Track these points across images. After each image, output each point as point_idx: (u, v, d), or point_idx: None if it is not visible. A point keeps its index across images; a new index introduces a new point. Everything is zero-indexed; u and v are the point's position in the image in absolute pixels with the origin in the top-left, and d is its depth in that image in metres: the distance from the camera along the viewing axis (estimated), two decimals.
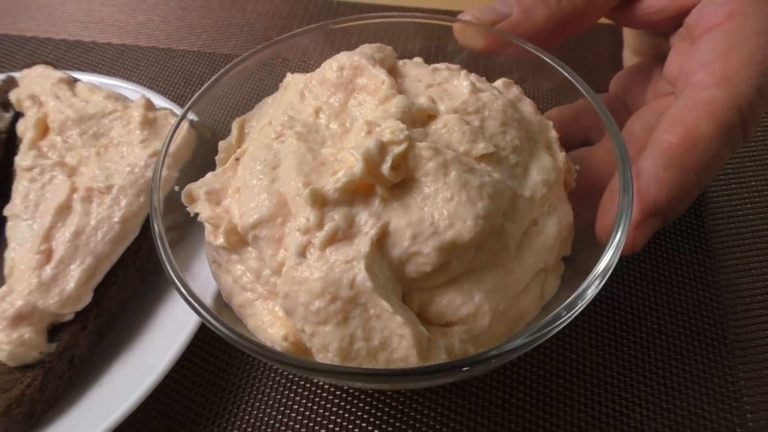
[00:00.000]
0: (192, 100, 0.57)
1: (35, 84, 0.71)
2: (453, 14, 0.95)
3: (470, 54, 0.66)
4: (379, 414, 0.56)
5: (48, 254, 0.57)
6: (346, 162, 0.47)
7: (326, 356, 0.42)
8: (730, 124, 0.49)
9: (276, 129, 0.52)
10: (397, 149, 0.45)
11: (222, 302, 0.52)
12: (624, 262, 0.65)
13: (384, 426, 0.55)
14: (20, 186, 0.63)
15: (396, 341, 0.41)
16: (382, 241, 0.44)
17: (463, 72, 0.54)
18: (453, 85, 0.53)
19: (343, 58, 0.54)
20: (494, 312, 0.46)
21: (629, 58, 0.76)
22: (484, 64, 0.64)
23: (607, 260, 0.45)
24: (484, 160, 0.48)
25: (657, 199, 0.48)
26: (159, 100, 0.73)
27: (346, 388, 0.57)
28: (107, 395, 0.56)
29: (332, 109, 0.53)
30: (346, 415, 0.56)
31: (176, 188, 0.54)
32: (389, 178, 0.45)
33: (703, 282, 0.63)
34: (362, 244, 0.42)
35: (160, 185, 0.51)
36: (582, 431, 0.54)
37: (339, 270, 0.42)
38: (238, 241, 0.49)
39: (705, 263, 0.65)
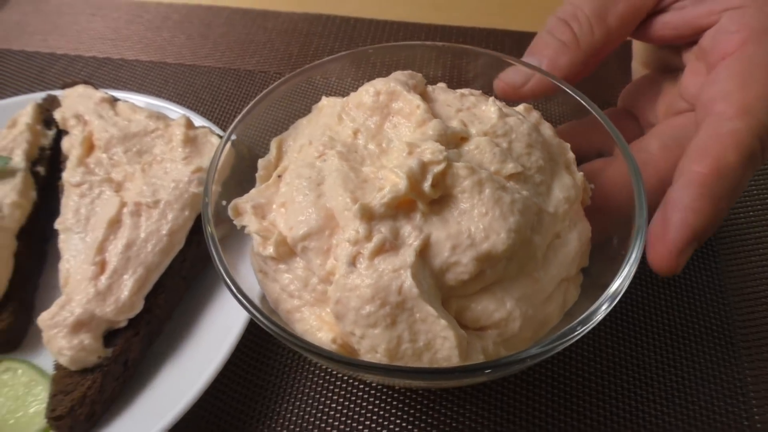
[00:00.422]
0: (235, 122, 0.62)
1: (78, 103, 0.75)
2: (467, 32, 1.00)
3: (489, 80, 0.70)
4: (411, 411, 0.60)
5: (102, 265, 0.62)
6: (387, 180, 0.51)
7: (374, 357, 0.47)
8: (753, 152, 0.53)
9: (318, 149, 0.57)
10: (437, 168, 0.49)
11: (268, 308, 0.56)
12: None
13: (417, 422, 0.60)
14: (70, 201, 0.67)
15: (440, 343, 0.46)
16: (424, 251, 0.48)
17: (491, 98, 0.59)
18: (481, 110, 0.58)
19: (379, 84, 0.58)
20: (524, 317, 0.50)
21: (638, 69, 0.80)
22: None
23: (625, 274, 0.49)
24: (513, 179, 0.52)
25: (695, 227, 0.52)
26: (195, 118, 0.78)
27: (379, 388, 0.62)
28: (159, 397, 0.60)
29: (369, 130, 0.57)
30: (381, 412, 0.60)
31: (224, 203, 0.59)
32: (429, 195, 0.49)
33: (711, 286, 0.68)
34: (407, 255, 0.47)
35: (212, 199, 0.56)
36: (601, 424, 0.59)
37: (387, 278, 0.46)
38: (287, 251, 0.53)
39: (712, 268, 0.70)
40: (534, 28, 1.02)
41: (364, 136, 0.57)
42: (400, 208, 0.49)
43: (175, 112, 0.79)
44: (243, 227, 0.57)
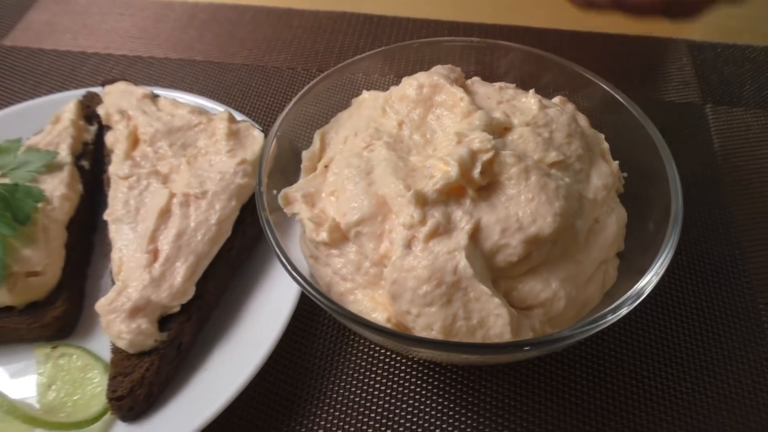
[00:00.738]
0: (281, 117, 0.64)
1: (121, 99, 0.78)
2: (488, 29, 1.03)
3: (519, 74, 0.73)
4: (449, 388, 0.63)
5: (155, 254, 0.64)
6: (435, 168, 0.54)
7: (430, 334, 0.50)
8: None
9: (365, 140, 0.60)
10: (485, 156, 0.52)
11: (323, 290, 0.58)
12: None
13: (455, 399, 0.62)
14: (119, 193, 0.70)
15: (492, 320, 0.49)
16: (475, 235, 0.51)
17: (531, 91, 0.61)
18: (521, 102, 0.61)
19: (422, 77, 0.61)
20: (568, 297, 0.53)
21: None
22: (532, 83, 0.71)
23: (664, 257, 0.52)
24: (555, 167, 0.55)
25: None
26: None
27: (417, 367, 0.64)
28: (212, 379, 0.62)
29: (413, 122, 0.60)
30: (420, 390, 0.63)
31: (274, 192, 0.61)
32: (478, 181, 0.52)
33: (735, 271, 0.71)
34: (460, 237, 0.50)
35: (265, 189, 0.58)
36: (634, 401, 0.62)
37: (443, 259, 0.49)
38: (340, 237, 0.56)
39: (735, 255, 0.73)
40: (554, 25, 1.05)
41: (409, 127, 0.60)
42: (451, 194, 0.52)
43: (211, 108, 0.81)
44: (293, 215, 0.60)
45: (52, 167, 0.73)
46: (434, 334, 0.49)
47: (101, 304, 0.62)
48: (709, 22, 1.05)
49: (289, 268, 0.52)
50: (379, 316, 0.53)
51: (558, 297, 0.52)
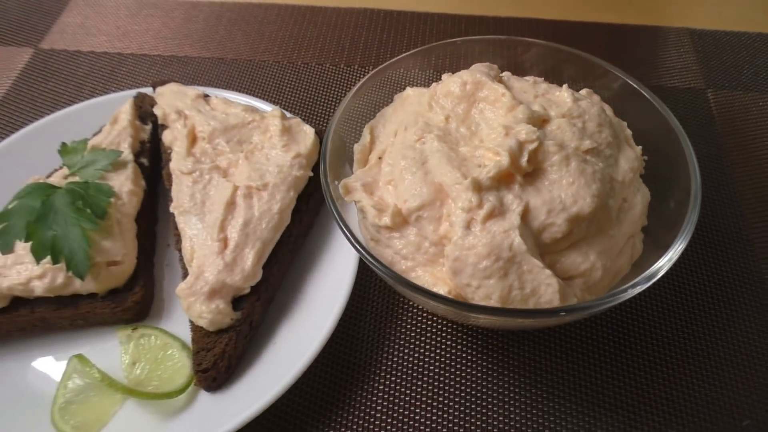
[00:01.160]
0: (337, 114, 0.71)
1: (176, 100, 0.84)
2: (503, 21, 1.10)
3: (543, 67, 0.80)
4: (490, 353, 0.71)
5: (225, 241, 0.71)
6: (485, 157, 0.61)
7: (489, 302, 0.57)
8: None
9: (416, 133, 0.66)
10: (531, 146, 0.59)
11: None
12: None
13: (496, 361, 0.70)
14: (183, 187, 0.76)
15: (543, 289, 0.56)
16: (525, 215, 0.58)
17: (565, 86, 0.68)
18: (555, 95, 0.68)
19: (465, 75, 0.68)
20: (604, 268, 0.60)
21: None
22: (555, 76, 0.78)
23: (686, 232, 0.59)
24: (589, 153, 0.62)
25: None
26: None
27: (462, 335, 0.72)
28: (282, 351, 0.69)
29: (458, 116, 0.67)
30: (464, 354, 0.71)
31: (336, 183, 0.68)
32: (525, 168, 0.59)
33: (740, 240, 0.79)
34: (513, 218, 0.57)
35: (330, 180, 0.65)
36: (656, 359, 0.70)
37: (499, 237, 0.56)
38: (401, 221, 0.63)
39: (740, 226, 0.81)
40: (563, 17, 1.12)
41: (455, 120, 0.67)
42: (502, 180, 0.59)
43: (246, 102, 0.87)
44: (354, 203, 0.66)
45: (117, 165, 0.79)
46: (492, 302, 0.57)
47: (182, 289, 0.69)
48: (706, 11, 1.13)
49: (361, 250, 0.59)
50: (440, 289, 0.60)
51: (595, 267, 0.60)
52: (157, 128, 0.86)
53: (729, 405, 0.68)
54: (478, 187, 0.58)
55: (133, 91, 0.91)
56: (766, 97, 1.02)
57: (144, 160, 0.83)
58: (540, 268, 0.56)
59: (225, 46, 1.10)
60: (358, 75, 1.04)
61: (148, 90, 0.91)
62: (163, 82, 0.89)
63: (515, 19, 1.12)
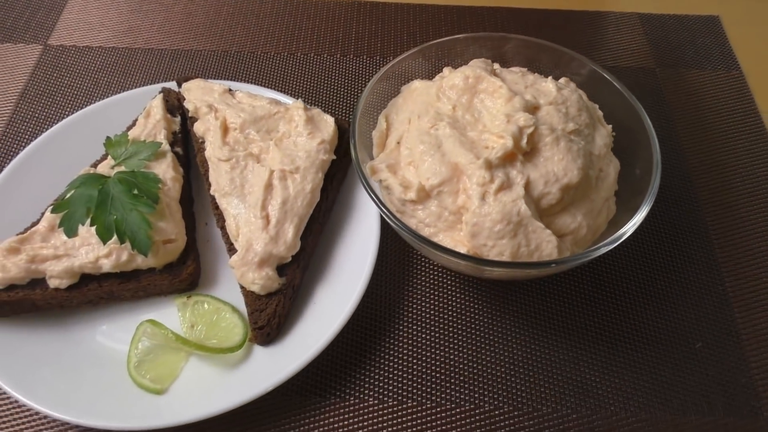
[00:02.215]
0: (358, 109, 0.82)
1: (204, 95, 0.94)
2: (477, 11, 1.22)
3: (523, 58, 0.94)
4: (495, 301, 0.86)
5: (267, 218, 0.83)
6: (490, 140, 0.75)
7: (502, 258, 0.71)
8: None
9: (430, 121, 0.79)
10: (529, 130, 0.73)
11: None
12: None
13: (502, 310, 0.85)
14: (222, 172, 0.87)
15: (545, 245, 0.71)
16: (527, 187, 0.72)
17: (550, 78, 0.82)
18: (542, 86, 0.81)
19: (467, 70, 0.81)
20: (588, 226, 0.75)
21: None
22: (534, 65, 0.92)
23: (651, 193, 0.74)
24: (572, 134, 0.77)
25: None
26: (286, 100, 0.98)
27: (471, 285, 0.86)
28: (321, 310, 0.82)
29: (463, 105, 0.80)
30: (471, 302, 0.86)
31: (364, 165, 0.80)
32: (524, 149, 0.73)
33: (689, 202, 0.96)
34: (518, 189, 0.71)
35: (361, 162, 0.77)
36: (627, 304, 0.86)
37: (509, 206, 0.70)
38: (424, 195, 0.76)
39: (690, 192, 0.97)
40: (526, 5, 1.25)
41: (461, 109, 0.80)
42: (506, 159, 0.73)
43: (275, 97, 0.98)
44: (380, 181, 0.79)
45: (157, 155, 0.89)
46: (505, 257, 0.71)
47: (235, 261, 0.80)
48: None
49: (394, 219, 0.72)
50: (460, 249, 0.74)
51: (582, 226, 0.75)
52: (186, 120, 0.96)
53: (684, 332, 0.84)
54: (489, 166, 0.72)
55: (155, 86, 1.01)
56: (704, 73, 1.18)
57: (178, 149, 0.93)
58: (542, 229, 0.70)
59: (227, 39, 1.19)
60: (353, 64, 1.15)
61: (169, 84, 1.01)
62: (186, 79, 0.99)
63: (488, 8, 1.25)
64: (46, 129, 1.02)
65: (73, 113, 1.02)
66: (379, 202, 0.74)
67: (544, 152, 0.74)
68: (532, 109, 0.78)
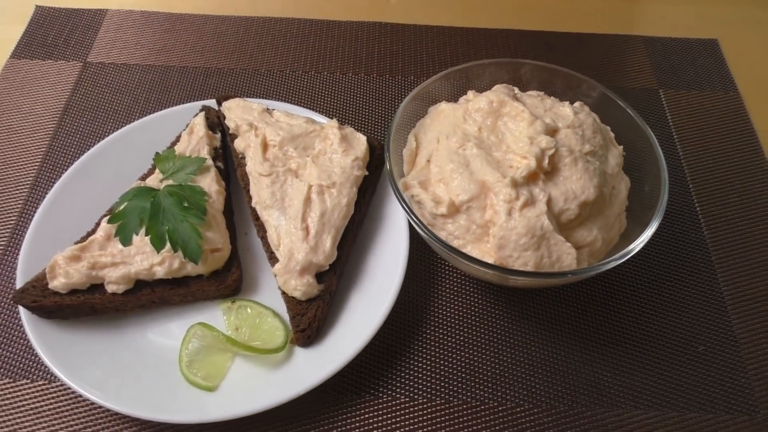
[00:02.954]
0: (392, 129, 0.90)
1: (244, 113, 1.01)
2: (482, 32, 1.30)
3: (538, 83, 1.01)
4: (512, 306, 0.93)
5: (306, 230, 0.90)
6: (514, 160, 0.82)
7: (526, 268, 0.79)
8: None
9: (458, 141, 0.86)
10: (550, 152, 0.81)
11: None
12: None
13: (522, 316, 0.92)
14: (263, 186, 0.94)
15: (565, 257, 0.78)
16: (549, 203, 0.80)
17: (566, 102, 0.90)
18: (559, 110, 0.89)
19: (491, 95, 0.88)
20: (602, 239, 0.83)
21: None
22: (549, 88, 1.00)
23: (660, 209, 0.82)
24: (589, 155, 0.84)
25: None
26: (318, 117, 1.05)
27: (493, 292, 0.94)
28: (356, 314, 0.89)
29: (487, 127, 0.88)
30: (492, 307, 0.93)
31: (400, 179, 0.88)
32: (546, 169, 0.81)
33: (692, 220, 1.04)
34: (541, 206, 0.79)
35: (397, 179, 0.85)
36: (634, 311, 0.94)
37: (533, 221, 0.78)
38: (454, 210, 0.83)
39: (692, 204, 1.05)
40: (532, 27, 1.33)
41: (486, 131, 0.87)
42: (530, 178, 0.81)
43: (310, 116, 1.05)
44: (412, 197, 0.87)
45: (202, 170, 0.96)
46: (529, 268, 0.78)
47: (278, 269, 0.88)
48: (656, 20, 1.36)
49: (427, 231, 0.79)
50: (488, 259, 0.81)
51: (597, 239, 0.82)
52: (225, 137, 1.04)
53: (687, 337, 0.92)
54: (515, 184, 0.79)
55: (193, 104, 1.08)
56: (704, 93, 1.26)
57: (219, 164, 1.00)
58: (562, 242, 0.78)
59: (256, 58, 1.26)
60: (377, 83, 1.23)
61: (208, 102, 1.08)
62: (225, 97, 1.06)
63: (502, 30, 1.33)
64: (90, 142, 1.09)
65: (114, 128, 1.10)
66: (413, 215, 0.81)
67: (563, 172, 0.81)
68: (552, 131, 0.85)
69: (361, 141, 0.97)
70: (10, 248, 0.99)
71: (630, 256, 0.79)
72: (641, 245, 0.80)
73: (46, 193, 0.98)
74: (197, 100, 1.12)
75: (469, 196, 0.81)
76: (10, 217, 1.02)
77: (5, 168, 1.08)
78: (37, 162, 1.09)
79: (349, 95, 1.21)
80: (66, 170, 1.00)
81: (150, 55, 1.26)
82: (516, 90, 0.96)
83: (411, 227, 0.93)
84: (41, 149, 1.11)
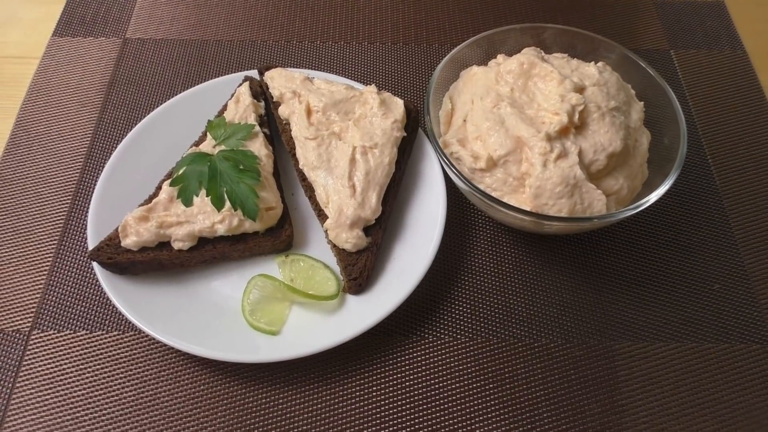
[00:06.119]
0: (430, 93, 0.97)
1: (287, 81, 1.08)
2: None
3: (561, 45, 1.08)
4: (541, 252, 1.01)
5: (353, 188, 0.97)
6: (546, 117, 0.89)
7: (561, 214, 0.86)
8: None
9: (492, 101, 0.94)
10: (580, 108, 0.88)
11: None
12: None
13: (547, 261, 1.01)
14: (309, 149, 1.01)
15: (596, 203, 0.86)
16: (580, 155, 0.87)
17: (592, 63, 0.97)
18: (585, 70, 0.96)
19: (522, 57, 0.95)
20: (628, 187, 0.91)
21: None
22: (571, 50, 1.06)
23: (679, 158, 0.90)
24: (614, 110, 0.92)
25: None
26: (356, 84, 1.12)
27: (522, 239, 1.02)
28: (401, 265, 0.97)
29: (519, 87, 0.95)
30: (523, 254, 1.01)
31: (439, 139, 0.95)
32: (576, 123, 0.88)
33: (704, 177, 1.11)
34: (573, 157, 0.86)
35: (438, 138, 0.92)
36: (655, 250, 1.02)
37: (567, 171, 0.85)
38: (492, 165, 0.91)
39: (706, 161, 1.13)
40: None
41: (518, 91, 0.95)
42: (562, 132, 0.88)
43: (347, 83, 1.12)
44: (452, 153, 0.94)
45: (251, 136, 1.04)
46: (563, 214, 0.86)
47: (329, 224, 0.95)
48: None
49: (468, 183, 0.87)
50: (524, 208, 0.89)
51: (623, 187, 0.90)
52: (269, 104, 1.11)
53: (704, 276, 1.01)
54: (549, 138, 0.87)
55: (235, 75, 1.15)
56: (713, 53, 1.33)
57: (266, 130, 1.07)
58: (593, 189, 0.85)
59: (287, 30, 1.32)
60: (405, 51, 1.29)
61: (250, 72, 1.15)
62: (267, 68, 1.13)
63: None
64: (138, 114, 1.16)
65: (159, 100, 1.17)
66: (455, 170, 0.89)
67: (591, 126, 0.89)
68: (579, 90, 0.92)
69: (398, 105, 1.04)
70: (72, 213, 1.06)
71: (653, 201, 0.87)
72: (663, 191, 0.88)
73: (103, 162, 1.05)
74: (235, 72, 1.18)
75: (506, 150, 0.89)
76: (69, 184, 1.09)
77: (61, 140, 1.15)
78: (89, 133, 1.16)
79: (379, 63, 1.27)
80: (121, 141, 1.07)
81: (185, 30, 1.32)
82: (542, 53, 1.02)
83: (447, 183, 1.01)
84: (92, 122, 1.17)
